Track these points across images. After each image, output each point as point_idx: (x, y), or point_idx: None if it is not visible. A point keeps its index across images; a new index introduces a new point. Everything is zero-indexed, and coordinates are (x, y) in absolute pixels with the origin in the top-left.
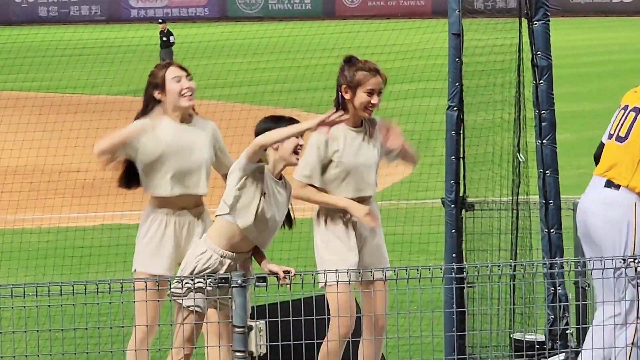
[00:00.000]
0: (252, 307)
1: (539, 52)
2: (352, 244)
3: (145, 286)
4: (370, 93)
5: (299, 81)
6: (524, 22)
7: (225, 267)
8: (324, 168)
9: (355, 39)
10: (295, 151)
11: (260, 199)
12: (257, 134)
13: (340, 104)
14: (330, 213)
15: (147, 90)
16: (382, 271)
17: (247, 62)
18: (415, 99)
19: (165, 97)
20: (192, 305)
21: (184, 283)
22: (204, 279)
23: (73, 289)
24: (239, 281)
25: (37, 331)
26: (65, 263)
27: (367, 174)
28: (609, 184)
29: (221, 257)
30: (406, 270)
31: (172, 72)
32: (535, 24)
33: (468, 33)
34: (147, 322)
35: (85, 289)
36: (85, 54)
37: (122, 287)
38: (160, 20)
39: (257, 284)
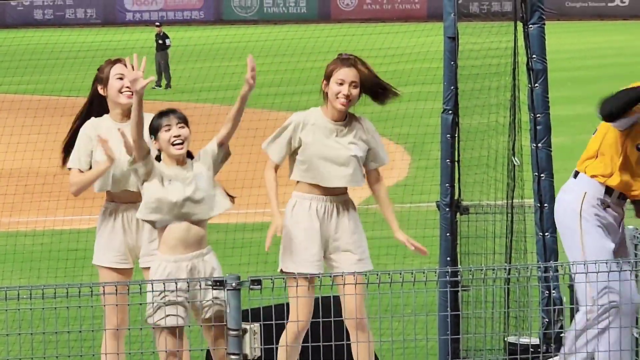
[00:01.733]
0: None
1: (534, 56)
2: (315, 235)
3: (116, 290)
4: (341, 83)
5: (294, 84)
6: (520, 25)
7: (184, 270)
8: (293, 150)
9: (351, 42)
10: (172, 142)
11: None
12: (150, 129)
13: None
14: (299, 202)
15: (92, 84)
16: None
17: (243, 65)
18: (411, 102)
19: (107, 92)
20: (168, 321)
21: (155, 302)
22: (171, 291)
23: (67, 292)
24: (233, 284)
25: (31, 334)
26: (60, 266)
27: (335, 168)
28: (575, 173)
29: (175, 262)
30: (400, 273)
31: (116, 69)
32: (531, 27)
33: (463, 36)
34: (117, 325)
35: (80, 292)
36: (81, 57)
37: (116, 290)
38: (157, 24)
39: (251, 286)
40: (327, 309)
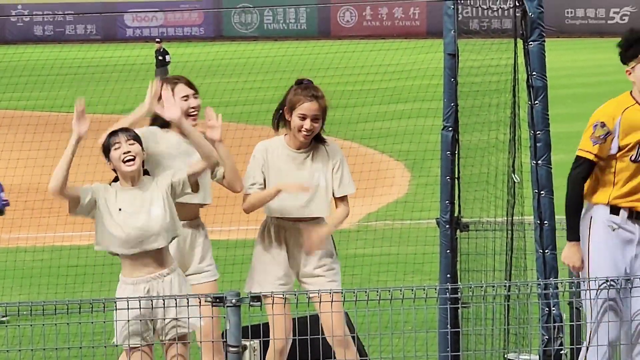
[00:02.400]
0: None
1: (534, 73)
2: (281, 259)
3: (139, 305)
4: (303, 117)
5: None
6: (520, 42)
7: (141, 292)
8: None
9: (351, 59)
10: (123, 160)
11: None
12: (102, 151)
13: (277, 124)
14: (268, 226)
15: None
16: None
17: (242, 81)
18: (411, 119)
19: None
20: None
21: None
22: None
23: (67, 308)
24: (233, 300)
25: (32, 350)
26: (60, 282)
27: (293, 198)
28: None
29: (133, 285)
30: (401, 290)
31: (180, 91)
32: (531, 44)
33: (463, 53)
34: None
35: (80, 308)
36: (81, 73)
37: (115, 306)
38: (157, 40)
39: (251, 303)
40: (317, 327)
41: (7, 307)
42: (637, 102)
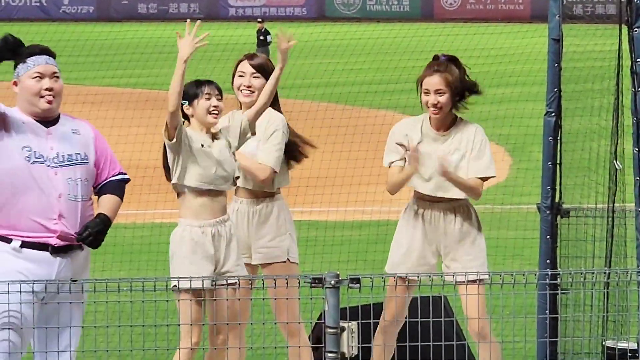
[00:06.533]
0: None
1: (638, 60)
2: (417, 240)
3: (232, 285)
4: (427, 92)
5: (394, 82)
6: (624, 28)
7: (209, 235)
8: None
9: (454, 42)
10: (209, 111)
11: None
12: (187, 95)
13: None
14: (410, 206)
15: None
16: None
17: (344, 62)
18: (511, 103)
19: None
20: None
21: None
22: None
23: (167, 285)
24: (332, 282)
25: (131, 326)
26: (160, 258)
27: (431, 176)
28: None
29: (199, 227)
30: (500, 275)
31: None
32: (636, 30)
33: (567, 38)
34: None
35: (178, 286)
36: None
37: (214, 284)
38: (259, 20)
39: (350, 285)
40: (437, 308)
41: (107, 283)
42: None
